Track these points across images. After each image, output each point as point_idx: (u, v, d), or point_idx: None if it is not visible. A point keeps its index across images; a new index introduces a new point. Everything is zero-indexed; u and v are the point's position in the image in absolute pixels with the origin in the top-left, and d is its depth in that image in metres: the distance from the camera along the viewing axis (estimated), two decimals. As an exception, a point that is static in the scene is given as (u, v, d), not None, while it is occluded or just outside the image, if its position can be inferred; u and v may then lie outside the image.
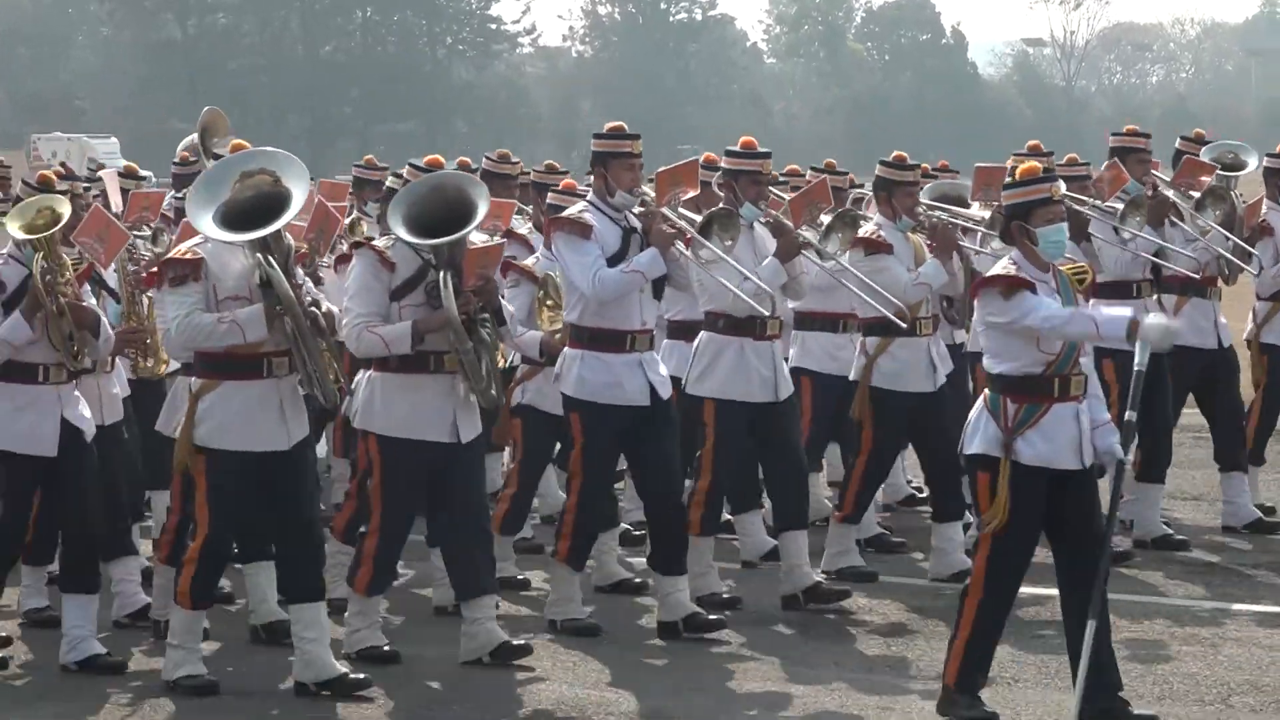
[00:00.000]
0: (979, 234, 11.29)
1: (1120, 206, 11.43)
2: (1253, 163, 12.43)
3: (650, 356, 9.93)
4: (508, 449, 11.60)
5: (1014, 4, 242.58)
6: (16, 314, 9.00)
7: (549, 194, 11.15)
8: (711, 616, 9.91)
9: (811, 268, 10.58)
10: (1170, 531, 11.80)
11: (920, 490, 12.75)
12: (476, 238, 9.31)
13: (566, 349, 9.93)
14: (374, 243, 9.35)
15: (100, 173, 11.96)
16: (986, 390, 8.34)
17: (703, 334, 10.36)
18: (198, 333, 8.65)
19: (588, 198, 10.04)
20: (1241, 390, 12.50)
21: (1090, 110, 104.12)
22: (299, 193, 8.66)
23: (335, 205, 10.41)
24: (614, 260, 9.72)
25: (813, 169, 12.46)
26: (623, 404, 9.76)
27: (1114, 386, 10.87)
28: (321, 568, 9.09)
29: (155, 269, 9.56)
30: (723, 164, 10.45)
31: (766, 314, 10.12)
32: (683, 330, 11.05)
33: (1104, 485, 8.40)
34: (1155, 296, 11.63)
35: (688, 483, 10.46)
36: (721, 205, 10.19)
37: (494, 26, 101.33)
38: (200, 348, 8.77)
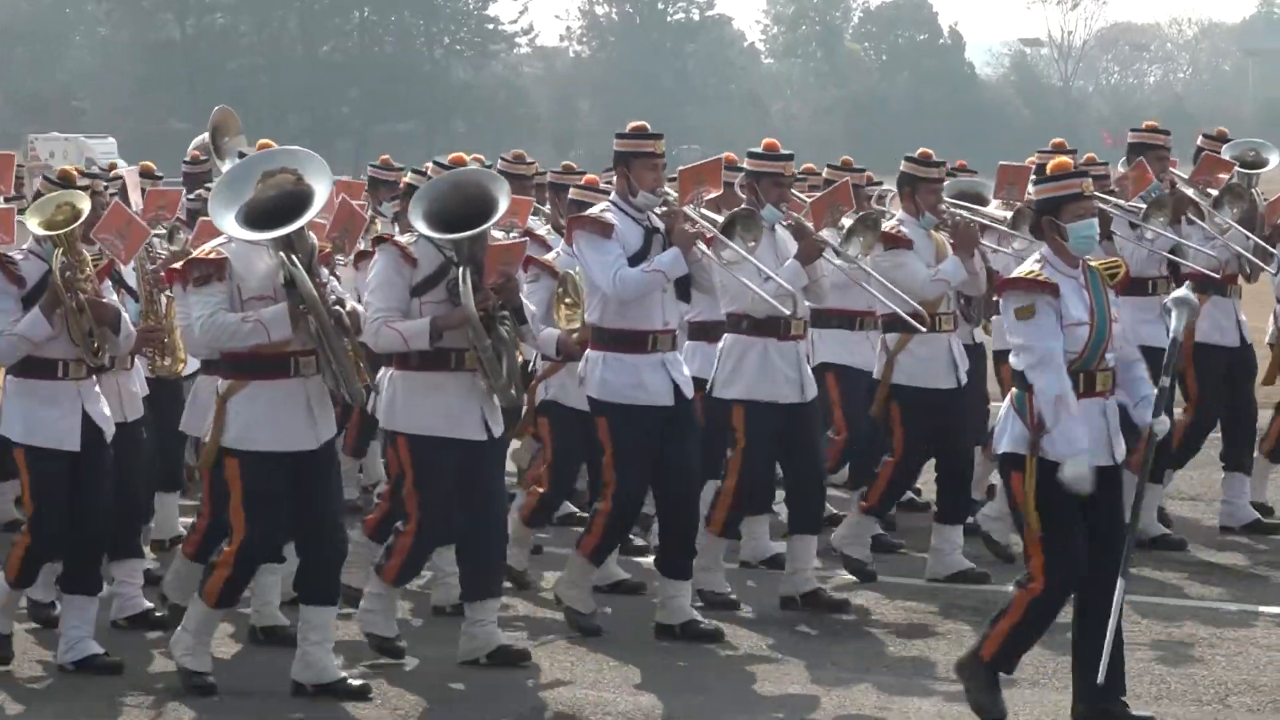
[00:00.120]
0: (1000, 233, 11.25)
1: (1143, 205, 11.41)
2: (1274, 160, 12.37)
3: (673, 356, 9.89)
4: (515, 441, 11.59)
5: (1011, 4, 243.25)
6: (36, 310, 8.96)
7: (570, 190, 11.10)
8: (708, 627, 9.86)
9: (830, 266, 10.54)
10: (1169, 531, 11.76)
11: (919, 493, 12.71)
12: (495, 235, 9.26)
13: (589, 351, 9.89)
14: (396, 238, 9.31)
15: (120, 170, 11.91)
16: (1014, 388, 8.30)
17: (726, 336, 10.31)
18: (222, 332, 8.59)
19: (610, 197, 9.99)
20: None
21: (1088, 110, 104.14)
22: (322, 190, 8.61)
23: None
24: (635, 260, 9.67)
25: (830, 167, 12.41)
26: (647, 404, 9.71)
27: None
28: (340, 571, 9.03)
29: (173, 266, 9.52)
30: (745, 165, 10.40)
31: (788, 313, 10.06)
32: (703, 331, 11.01)
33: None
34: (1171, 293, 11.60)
35: (714, 483, 10.40)
36: (744, 206, 10.14)
37: (491, 27, 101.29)
38: (225, 347, 8.72)
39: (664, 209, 9.82)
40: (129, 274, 10.02)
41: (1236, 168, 12.03)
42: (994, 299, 10.60)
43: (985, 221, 11.10)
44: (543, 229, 11.90)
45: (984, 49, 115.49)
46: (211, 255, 8.72)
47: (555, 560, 11.07)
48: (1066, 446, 8.06)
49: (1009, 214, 11.22)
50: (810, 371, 10.44)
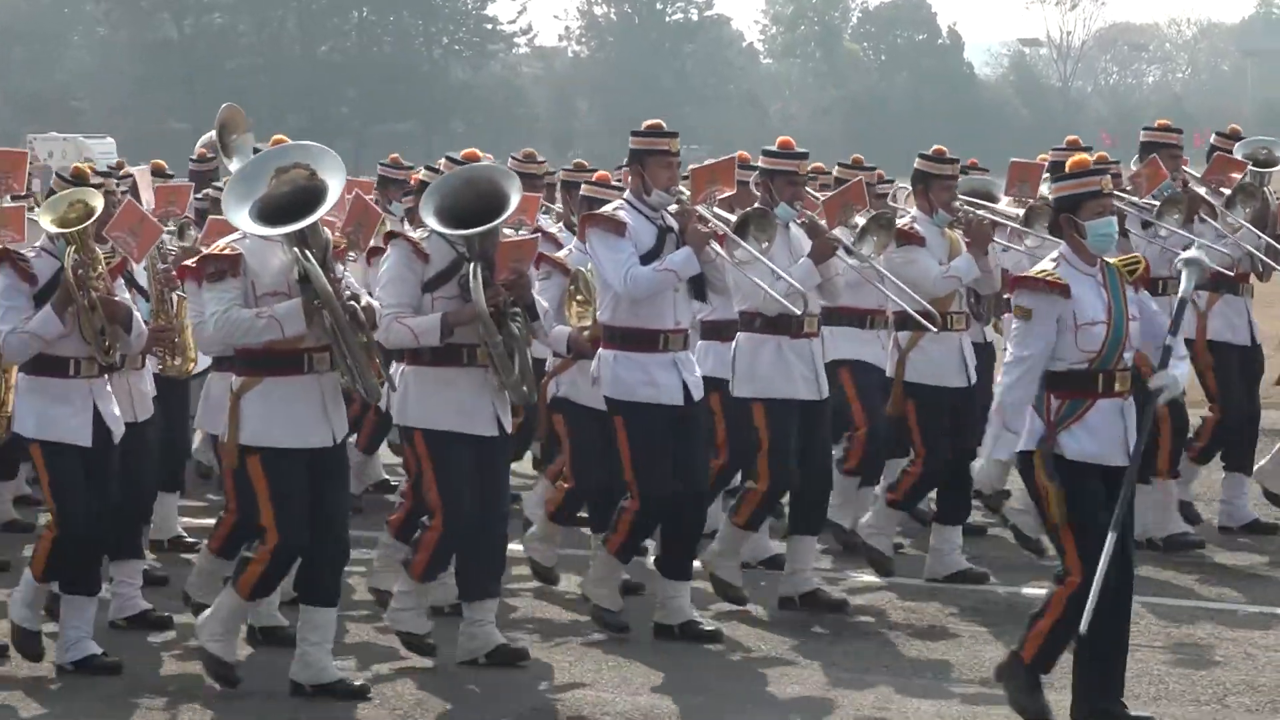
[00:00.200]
0: (1013, 230, 11.22)
1: (1156, 203, 11.38)
2: (1287, 159, 12.35)
3: (685, 357, 9.85)
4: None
5: (1010, 4, 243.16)
6: (48, 308, 8.92)
7: (583, 186, 11.08)
8: (708, 628, 9.82)
9: (842, 265, 10.51)
10: (1189, 530, 11.72)
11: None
12: (506, 232, 9.23)
13: (600, 349, 9.86)
14: (409, 234, 9.28)
15: (132, 169, 11.89)
16: None
17: (740, 335, 10.27)
18: (235, 328, 8.55)
19: (624, 195, 9.96)
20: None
21: (1086, 110, 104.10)
22: (335, 185, 8.58)
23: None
24: (648, 258, 9.65)
25: (840, 165, 12.39)
26: (659, 402, 9.68)
27: None
28: (341, 572, 9.01)
29: (186, 263, 9.48)
30: (759, 164, 10.36)
31: (799, 312, 10.02)
32: (716, 331, 10.95)
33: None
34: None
35: (749, 483, 10.34)
36: (757, 205, 10.10)
37: (490, 27, 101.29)
38: (239, 343, 8.68)
39: (677, 208, 9.78)
40: (140, 273, 9.99)
41: (1249, 166, 11.99)
42: (1005, 296, 10.59)
43: (998, 219, 11.07)
44: (553, 226, 11.86)
45: (983, 49, 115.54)
46: (226, 251, 8.68)
47: (569, 561, 11.10)
48: (1000, 447, 8.25)
49: (1021, 211, 11.19)
50: (824, 370, 10.42)
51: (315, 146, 8.78)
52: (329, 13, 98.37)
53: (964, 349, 10.90)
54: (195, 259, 8.91)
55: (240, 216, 8.54)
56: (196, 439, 13.08)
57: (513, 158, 12.48)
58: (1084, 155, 8.73)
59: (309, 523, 8.77)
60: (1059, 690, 8.65)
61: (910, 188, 11.28)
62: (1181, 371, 8.21)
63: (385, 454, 13.90)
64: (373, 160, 13.55)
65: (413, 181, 12.24)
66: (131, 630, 9.90)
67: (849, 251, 10.35)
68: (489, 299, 8.90)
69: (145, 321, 9.57)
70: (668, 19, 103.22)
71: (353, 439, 12.41)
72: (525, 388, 9.13)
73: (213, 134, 15.46)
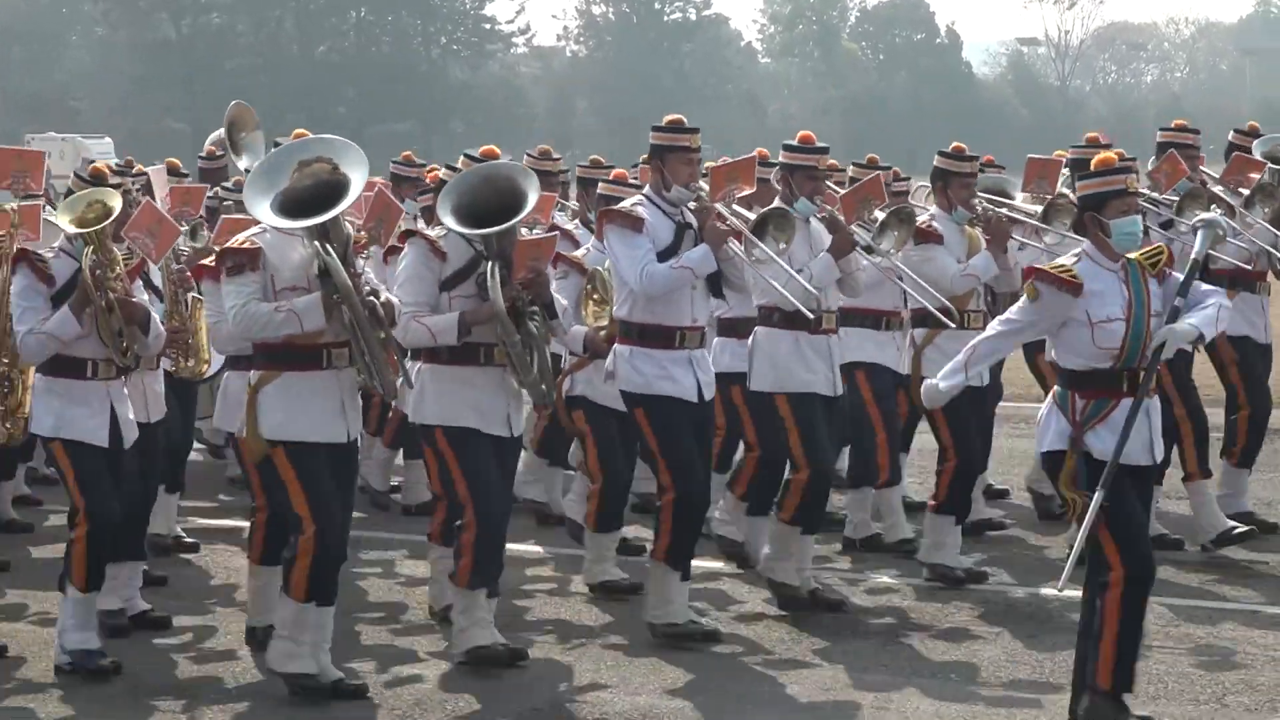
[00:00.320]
0: (1030, 227, 11.17)
1: (1176, 199, 11.35)
2: (1304, 156, 12.30)
3: (700, 355, 9.80)
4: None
5: (1008, 3, 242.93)
6: (65, 308, 8.85)
7: (600, 184, 11.02)
8: (706, 628, 9.73)
9: (862, 259, 10.46)
10: (1165, 531, 11.69)
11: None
12: (522, 231, 9.18)
13: (616, 345, 9.80)
14: (426, 232, 9.22)
15: (148, 169, 11.85)
16: (1056, 386, 8.22)
17: (758, 329, 10.22)
18: (254, 322, 8.49)
19: (643, 191, 9.91)
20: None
21: (1085, 110, 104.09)
22: (358, 180, 8.51)
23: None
24: (666, 255, 9.58)
25: (855, 165, 12.36)
26: (677, 396, 9.62)
27: None
28: (338, 572, 8.86)
29: (203, 262, 9.43)
30: (780, 159, 10.32)
31: (811, 316, 9.91)
32: (732, 327, 10.92)
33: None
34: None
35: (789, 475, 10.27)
36: (776, 204, 10.05)
37: (488, 26, 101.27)
38: (257, 337, 8.61)
39: (696, 204, 9.73)
40: (154, 274, 9.94)
41: (1269, 165, 11.94)
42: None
43: (1018, 216, 11.03)
44: (569, 223, 11.82)
45: (981, 48, 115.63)
46: (245, 245, 8.62)
47: (570, 561, 11.09)
48: (950, 377, 8.37)
49: (1039, 208, 11.15)
50: (839, 369, 10.38)
51: (338, 140, 8.70)
52: (327, 12, 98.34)
53: None
54: (199, 257, 8.84)
55: (262, 209, 8.46)
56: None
57: (528, 155, 12.44)
58: (1109, 153, 8.64)
59: None
60: (1056, 690, 8.66)
61: (930, 185, 11.22)
62: (1193, 320, 8.01)
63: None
64: (372, 160, 13.48)
65: (429, 180, 12.20)
66: (134, 631, 9.82)
67: (869, 249, 10.30)
68: (507, 298, 8.85)
69: (160, 322, 9.52)
70: (666, 18, 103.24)
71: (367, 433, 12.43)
72: (544, 386, 9.08)
73: (222, 132, 15.43)
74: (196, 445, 13.44)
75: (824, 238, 10.15)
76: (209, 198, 13.00)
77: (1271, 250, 11.76)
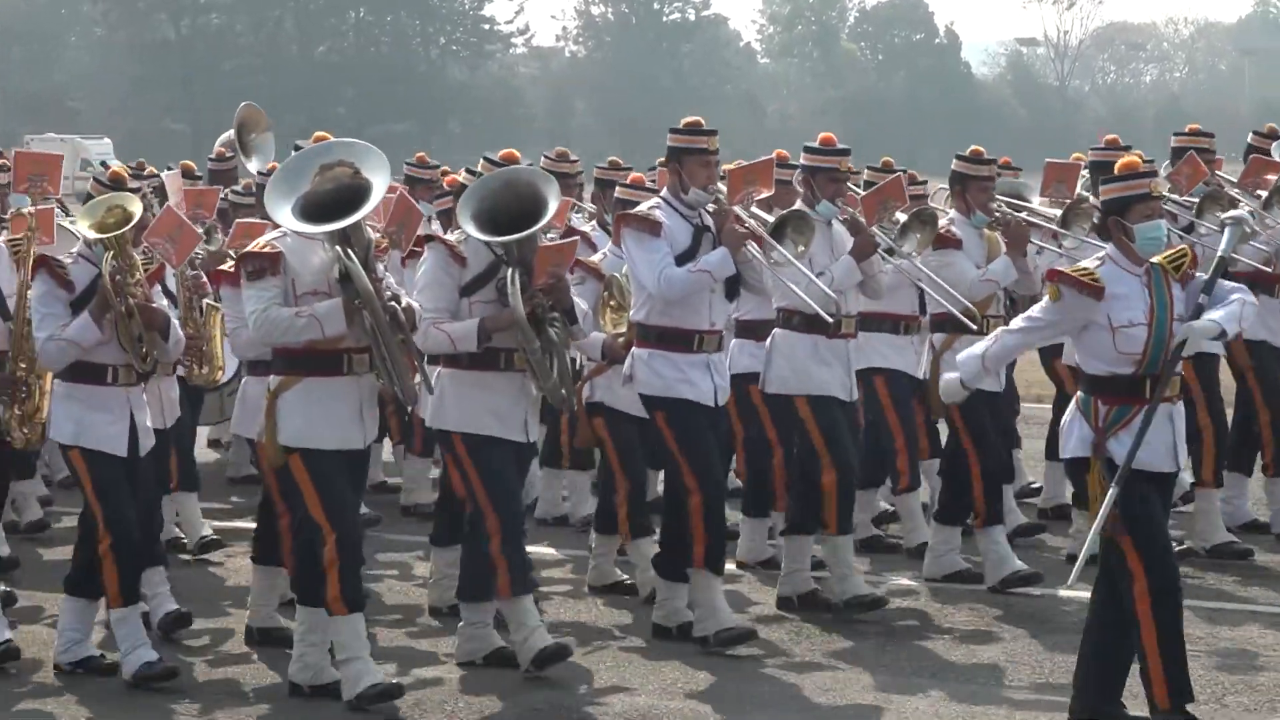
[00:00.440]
0: (1049, 231, 11.15)
1: (1196, 200, 11.33)
2: (1322, 158, 12.27)
3: (718, 359, 9.77)
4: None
5: (1007, 4, 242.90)
6: (85, 314, 8.81)
7: (616, 188, 10.99)
8: (749, 626, 9.69)
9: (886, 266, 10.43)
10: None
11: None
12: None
13: (634, 348, 9.77)
14: (445, 237, 9.18)
15: (163, 173, 11.82)
16: (1079, 392, 8.19)
17: (776, 331, 10.21)
18: (275, 327, 8.45)
19: (660, 194, 9.87)
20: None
21: (1084, 110, 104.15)
22: (380, 184, 8.47)
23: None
24: (684, 259, 9.54)
25: (870, 168, 12.33)
26: (697, 400, 9.60)
27: None
28: (360, 574, 8.85)
29: (221, 268, 9.39)
30: (801, 161, 10.30)
31: (830, 320, 9.86)
32: (750, 330, 10.90)
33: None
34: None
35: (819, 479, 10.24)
36: (795, 207, 10.03)
37: (487, 27, 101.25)
38: (278, 343, 8.58)
39: (715, 207, 9.70)
40: (170, 279, 9.91)
41: (1287, 167, 11.92)
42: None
43: (1036, 220, 10.99)
44: (586, 225, 11.79)
45: (980, 49, 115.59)
46: (266, 249, 8.57)
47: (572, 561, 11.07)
48: (966, 366, 8.38)
49: (1058, 212, 11.11)
50: (854, 374, 10.35)
51: (360, 144, 8.66)
52: (326, 13, 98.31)
53: None
54: (235, 260, 8.80)
55: (283, 213, 8.43)
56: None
57: (545, 157, 12.42)
58: (1133, 157, 8.60)
59: None
60: (1059, 690, 8.65)
61: (948, 188, 11.19)
62: (1214, 316, 7.96)
63: (387, 454, 13.86)
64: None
65: (447, 184, 12.16)
66: (171, 639, 9.79)
67: (888, 251, 10.28)
68: (527, 304, 8.81)
69: (179, 327, 9.49)
70: (665, 19, 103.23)
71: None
72: (564, 391, 9.05)
73: (231, 133, 15.41)
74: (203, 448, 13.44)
75: (846, 240, 10.13)
76: (220, 198, 12.96)
77: (1288, 252, 11.74)
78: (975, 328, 10.29)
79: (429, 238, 9.26)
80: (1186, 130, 12.22)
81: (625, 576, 10.77)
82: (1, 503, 10.14)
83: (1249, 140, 12.31)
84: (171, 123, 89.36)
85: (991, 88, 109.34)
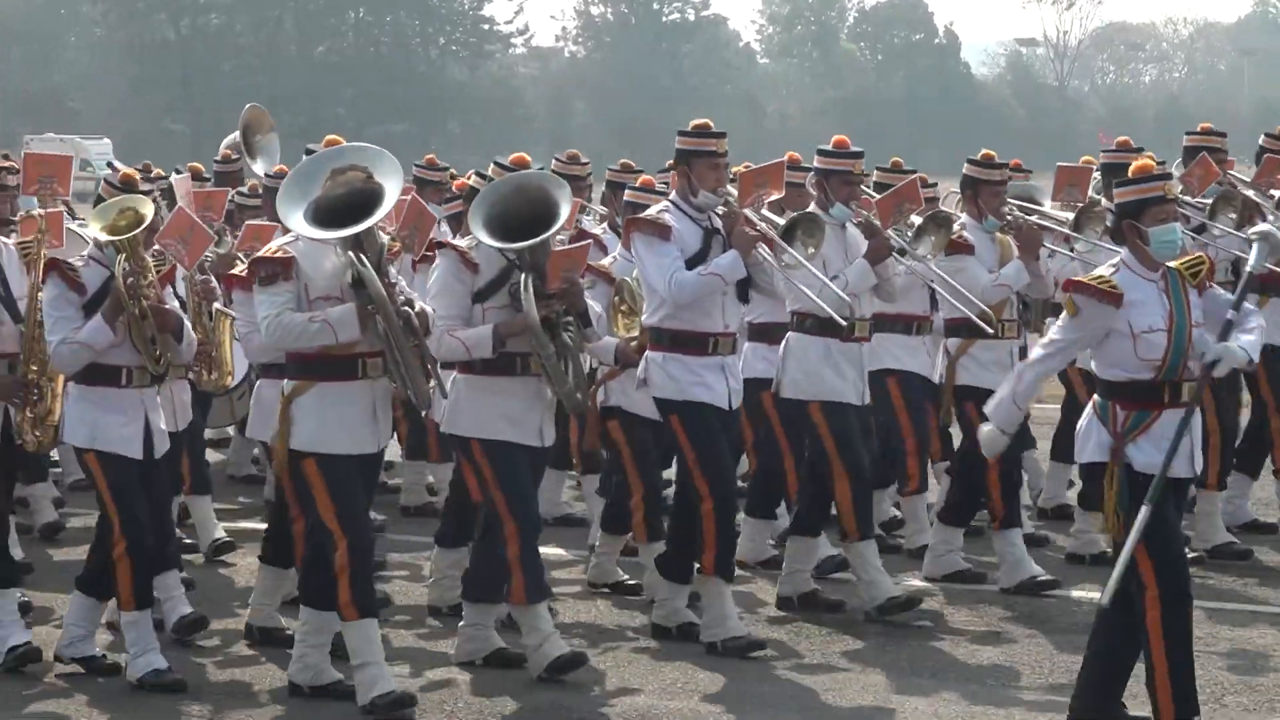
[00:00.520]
0: (1061, 234, 11.13)
1: (1209, 201, 11.31)
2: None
3: (731, 362, 9.75)
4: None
5: (1006, 4, 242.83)
6: (98, 317, 8.80)
7: (626, 191, 10.97)
8: (755, 636, 9.67)
9: (898, 268, 10.41)
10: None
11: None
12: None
13: (648, 352, 9.74)
14: (456, 243, 9.15)
15: (171, 176, 11.79)
16: (1096, 396, 8.16)
17: (790, 335, 10.19)
18: (288, 333, 8.42)
19: (670, 197, 9.84)
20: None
21: (1084, 110, 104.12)
22: (392, 189, 8.44)
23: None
24: (694, 262, 9.52)
25: (879, 170, 12.31)
26: (712, 403, 9.57)
27: None
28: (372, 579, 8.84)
29: (233, 272, 9.36)
30: (815, 164, 10.27)
31: (843, 322, 9.84)
32: (764, 333, 10.89)
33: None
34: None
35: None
36: (807, 209, 10.01)
37: (487, 27, 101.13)
38: (291, 348, 8.56)
39: (725, 209, 9.67)
40: (179, 283, 9.89)
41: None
42: (1054, 302, 10.50)
43: (1049, 224, 10.97)
44: (596, 228, 11.77)
45: (979, 49, 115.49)
46: (278, 254, 8.54)
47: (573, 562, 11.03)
48: (999, 413, 8.31)
49: (1070, 215, 11.09)
50: (866, 378, 10.33)
51: (372, 149, 8.62)
52: (326, 13, 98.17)
53: (1014, 357, 10.78)
54: (247, 264, 8.78)
55: (295, 218, 8.39)
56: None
57: (556, 159, 12.39)
58: (1147, 159, 8.57)
59: None
60: (1058, 690, 8.67)
61: (960, 192, 11.17)
62: (1242, 343, 7.94)
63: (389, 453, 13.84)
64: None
65: (456, 187, 12.13)
66: (186, 642, 9.77)
67: (905, 252, 10.26)
68: (540, 310, 8.79)
69: (191, 330, 9.47)
70: (664, 19, 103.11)
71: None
72: (579, 396, 9.03)
73: (236, 135, 15.38)
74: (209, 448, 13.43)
75: (860, 244, 10.12)
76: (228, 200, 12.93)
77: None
78: (992, 332, 10.27)
79: (440, 244, 9.24)
80: (1199, 130, 12.20)
81: (626, 576, 10.76)
82: (9, 503, 10.10)
83: (1260, 143, 12.27)
84: (171, 123, 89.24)
85: (991, 88, 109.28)
